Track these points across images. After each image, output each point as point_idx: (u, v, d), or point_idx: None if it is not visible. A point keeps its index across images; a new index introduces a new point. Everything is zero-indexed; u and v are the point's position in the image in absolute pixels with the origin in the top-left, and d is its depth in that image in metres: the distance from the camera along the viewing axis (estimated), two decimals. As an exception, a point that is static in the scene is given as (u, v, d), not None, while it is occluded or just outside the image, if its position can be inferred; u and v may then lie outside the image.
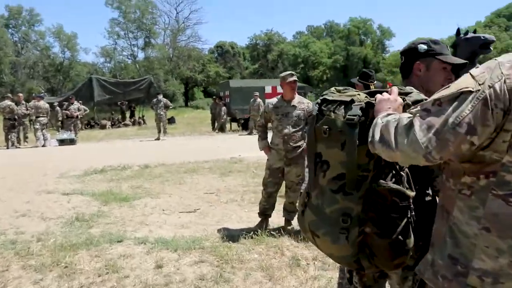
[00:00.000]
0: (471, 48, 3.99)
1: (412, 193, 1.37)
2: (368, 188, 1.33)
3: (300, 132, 4.01)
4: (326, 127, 1.36)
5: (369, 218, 1.35)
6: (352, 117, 1.30)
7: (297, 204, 4.15)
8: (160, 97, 14.39)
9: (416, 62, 1.59)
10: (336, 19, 74.11)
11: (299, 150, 4.00)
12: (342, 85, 1.68)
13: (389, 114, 1.18)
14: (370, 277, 1.78)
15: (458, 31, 4.28)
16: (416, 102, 1.36)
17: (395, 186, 1.33)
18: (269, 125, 4.21)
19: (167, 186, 6.40)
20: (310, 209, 1.45)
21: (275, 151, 4.05)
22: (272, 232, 3.95)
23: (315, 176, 1.43)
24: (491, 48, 4.05)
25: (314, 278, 3.03)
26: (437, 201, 1.28)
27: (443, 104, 1.01)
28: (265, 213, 4.19)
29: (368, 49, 43.98)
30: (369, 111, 1.31)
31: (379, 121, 1.18)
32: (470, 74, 1.02)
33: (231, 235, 3.93)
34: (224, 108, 16.83)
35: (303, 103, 4.05)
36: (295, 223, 4.20)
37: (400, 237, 1.35)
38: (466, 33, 4.18)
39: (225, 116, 16.98)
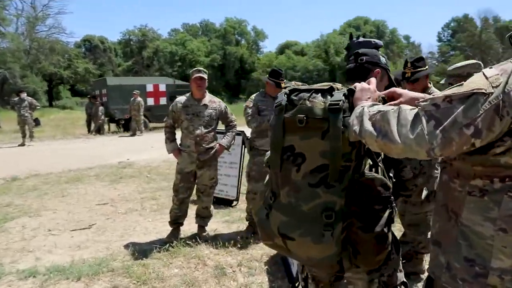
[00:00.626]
0: (363, 51, 4.38)
1: (390, 184, 1.37)
2: (350, 179, 1.28)
3: (213, 133, 3.81)
4: (303, 115, 1.27)
5: (352, 212, 1.29)
6: (336, 101, 1.24)
7: (211, 209, 3.95)
8: (24, 95, 12.22)
9: (377, 69, 1.61)
10: (211, 19, 75.10)
11: (212, 152, 3.80)
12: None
13: (374, 104, 1.16)
14: (327, 283, 1.73)
15: (351, 35, 4.64)
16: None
17: (379, 176, 1.31)
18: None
19: (48, 200, 5.44)
20: (278, 210, 1.34)
21: (186, 153, 3.76)
22: (187, 241, 3.66)
23: (281, 171, 1.33)
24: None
25: (245, 286, 2.90)
26: (435, 198, 1.26)
27: (453, 101, 0.97)
28: (177, 221, 3.87)
29: (243, 49, 45.61)
30: (349, 98, 1.28)
31: (366, 109, 1.15)
32: (484, 74, 1.00)
33: (142, 251, 3.51)
34: (101, 108, 15.28)
35: (215, 102, 3.85)
36: (209, 228, 3.99)
37: (384, 229, 1.33)
38: (358, 37, 4.57)
39: (102, 117, 15.44)
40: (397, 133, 1.01)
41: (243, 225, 4.21)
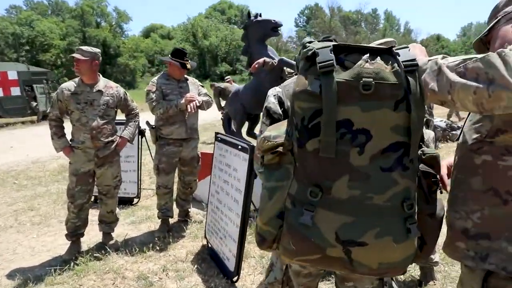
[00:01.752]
0: (263, 30, 4.30)
1: None
2: (418, 158, 1.09)
3: (111, 124, 3.24)
4: (370, 79, 0.98)
5: (419, 196, 1.10)
6: (412, 60, 1.00)
7: (117, 212, 3.41)
8: None
9: None
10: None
11: (113, 146, 3.24)
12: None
13: (444, 57, 1.00)
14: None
15: (249, 13, 4.51)
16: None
17: (436, 153, 1.13)
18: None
19: None
20: (333, 209, 1.01)
21: (81, 150, 3.13)
22: (94, 254, 3.09)
23: (335, 158, 1.00)
24: (280, 32, 4.50)
25: (180, 293, 2.57)
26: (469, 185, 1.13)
27: None
28: (77, 232, 3.22)
29: (106, 31, 41.59)
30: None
31: (440, 62, 0.97)
32: None
33: (37, 277, 2.81)
34: None
35: (112, 88, 3.27)
36: (115, 234, 3.45)
37: (441, 213, 1.16)
38: (256, 15, 4.47)
39: None
40: (510, 78, 0.84)
41: (153, 224, 3.78)
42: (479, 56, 0.91)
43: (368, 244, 1.00)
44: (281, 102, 1.41)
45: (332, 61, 1.00)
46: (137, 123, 3.49)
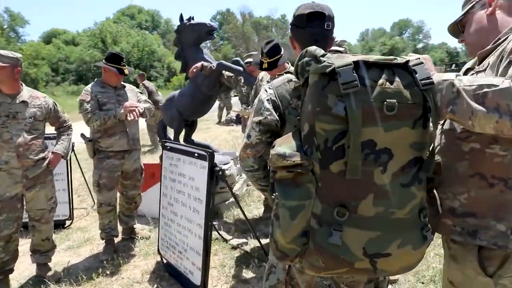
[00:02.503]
0: (197, 34, 4.19)
1: None
2: None
3: (41, 139, 2.86)
4: (394, 101, 1.00)
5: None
6: (428, 79, 1.03)
7: (52, 238, 3.01)
8: None
9: None
10: None
11: (45, 164, 2.85)
12: None
13: (457, 75, 1.06)
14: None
15: (182, 17, 4.35)
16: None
17: (438, 159, 1.21)
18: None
19: None
20: (359, 227, 1.05)
21: (5, 172, 2.69)
22: (30, 289, 2.69)
23: (366, 177, 1.04)
24: (215, 35, 4.43)
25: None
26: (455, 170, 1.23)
27: None
28: (5, 269, 2.76)
29: (-3, 37, 36.94)
30: None
31: (457, 83, 1.03)
32: None
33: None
34: None
35: (38, 98, 2.87)
36: (52, 264, 3.04)
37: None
38: (189, 19, 4.33)
39: None
40: None
41: (95, 247, 3.43)
42: (496, 83, 0.98)
43: (391, 255, 1.07)
44: (275, 107, 1.35)
45: (356, 82, 1.00)
46: (70, 137, 3.13)
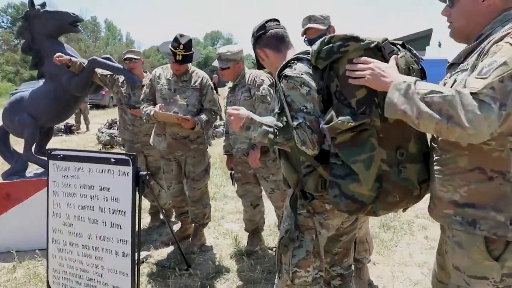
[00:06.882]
0: (58, 23, 3.59)
1: None
2: None
3: None
4: (416, 66, 1.52)
5: None
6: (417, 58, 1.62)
7: None
8: None
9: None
10: None
11: None
12: None
13: (417, 80, 1.19)
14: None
15: (32, 2, 3.59)
16: None
17: None
18: None
19: None
20: (412, 162, 1.42)
21: None
22: None
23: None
24: (80, 28, 3.85)
25: None
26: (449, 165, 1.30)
27: (505, 80, 1.04)
28: None
29: None
30: None
31: (414, 88, 1.15)
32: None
33: None
34: None
35: None
36: None
37: None
38: (44, 5, 3.63)
39: None
40: (465, 118, 1.02)
41: None
42: (444, 91, 1.09)
43: (428, 180, 1.42)
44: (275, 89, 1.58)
45: (396, 50, 1.42)
46: None
